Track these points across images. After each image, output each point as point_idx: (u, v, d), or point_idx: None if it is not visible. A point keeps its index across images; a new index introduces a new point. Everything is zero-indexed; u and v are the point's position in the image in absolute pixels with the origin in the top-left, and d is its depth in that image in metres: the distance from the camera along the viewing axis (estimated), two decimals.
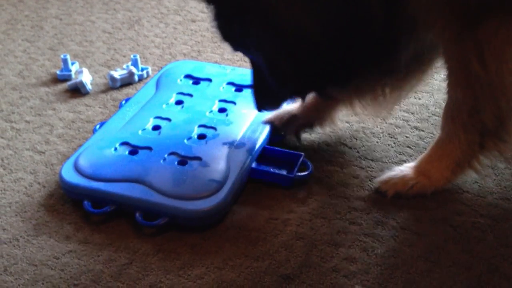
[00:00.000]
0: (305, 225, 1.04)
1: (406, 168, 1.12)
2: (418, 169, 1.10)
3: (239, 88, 1.36)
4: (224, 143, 1.17)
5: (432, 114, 1.32)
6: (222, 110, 1.28)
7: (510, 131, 1.05)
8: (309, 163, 1.15)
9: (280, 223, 1.04)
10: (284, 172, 1.14)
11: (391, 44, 1.00)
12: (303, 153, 1.16)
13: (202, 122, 1.23)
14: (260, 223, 1.05)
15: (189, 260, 0.98)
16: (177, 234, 1.03)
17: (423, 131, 1.26)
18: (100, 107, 1.40)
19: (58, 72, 1.52)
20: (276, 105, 1.16)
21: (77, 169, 1.11)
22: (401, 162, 1.17)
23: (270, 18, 0.95)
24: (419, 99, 1.37)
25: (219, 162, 1.12)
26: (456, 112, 1.05)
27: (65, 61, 1.52)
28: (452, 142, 1.08)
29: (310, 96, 1.19)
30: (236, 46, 1.09)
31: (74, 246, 1.02)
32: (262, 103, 1.15)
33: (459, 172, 1.09)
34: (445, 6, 0.95)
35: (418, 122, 1.29)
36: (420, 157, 1.13)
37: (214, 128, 1.21)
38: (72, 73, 1.52)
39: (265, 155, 1.18)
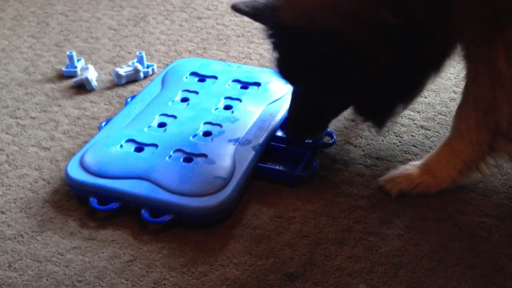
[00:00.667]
0: (309, 223, 1.04)
1: (411, 167, 1.11)
2: (424, 168, 1.10)
3: (245, 85, 1.35)
4: (230, 140, 1.17)
5: (438, 113, 1.32)
6: (227, 107, 1.28)
7: None
8: (314, 161, 1.15)
9: (285, 221, 1.04)
10: (289, 170, 1.14)
11: (443, 57, 1.05)
12: (308, 151, 1.16)
13: (208, 119, 1.23)
14: (264, 221, 1.05)
15: (193, 257, 0.98)
16: (181, 231, 1.03)
17: (429, 130, 1.26)
18: (105, 104, 1.40)
19: (63, 69, 1.53)
20: (313, 136, 1.19)
21: (83, 166, 1.12)
22: (406, 161, 1.17)
23: (376, 65, 0.98)
24: (425, 97, 1.36)
25: (224, 159, 1.12)
26: (472, 110, 1.06)
27: (71, 57, 1.52)
28: (462, 140, 1.08)
29: None
30: (296, 85, 1.12)
31: (79, 242, 1.02)
32: (301, 134, 1.17)
33: (466, 173, 1.09)
34: (478, 13, 0.98)
35: (424, 121, 1.29)
36: (427, 155, 1.13)
37: (220, 125, 1.21)
38: (78, 69, 1.52)
39: (270, 152, 1.18)
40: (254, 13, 1.11)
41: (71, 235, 1.03)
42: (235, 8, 1.13)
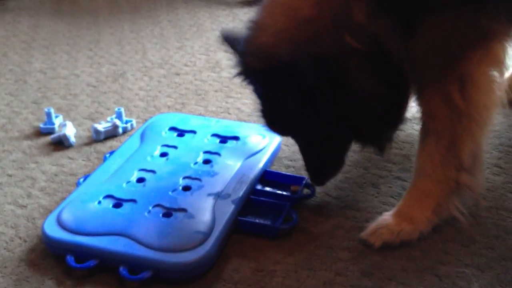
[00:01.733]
0: (291, 276, 1.03)
1: (387, 217, 1.12)
2: (400, 215, 1.11)
3: (224, 139, 1.36)
4: (209, 194, 1.17)
5: (414, 165, 1.34)
6: (207, 162, 1.28)
7: (480, 167, 1.11)
8: (294, 213, 1.15)
9: (266, 274, 1.03)
10: (269, 223, 1.13)
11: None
12: (288, 203, 1.16)
13: (187, 174, 1.23)
14: (245, 275, 1.03)
15: None
16: None
17: (405, 181, 1.27)
18: (83, 160, 1.40)
19: (41, 125, 1.52)
20: (335, 174, 1.20)
21: (60, 223, 1.10)
22: (385, 212, 1.18)
23: (352, 89, 1.03)
24: (401, 149, 1.39)
25: (204, 213, 1.12)
26: (434, 148, 1.09)
27: (48, 114, 1.52)
28: (429, 180, 1.10)
29: None
30: (296, 134, 1.15)
31: None
32: (323, 177, 1.19)
33: (440, 212, 1.10)
34: (435, 49, 1.03)
35: (401, 173, 1.31)
36: (398, 203, 1.14)
37: (199, 180, 1.21)
38: (56, 126, 1.52)
39: (250, 205, 1.18)
40: (236, 49, 1.14)
41: None
42: (224, 36, 1.16)
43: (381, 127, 1.11)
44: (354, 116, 1.06)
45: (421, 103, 1.11)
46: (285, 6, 1.05)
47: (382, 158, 1.22)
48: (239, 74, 1.11)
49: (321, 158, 1.15)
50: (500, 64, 1.08)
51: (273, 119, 1.12)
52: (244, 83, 1.13)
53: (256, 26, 1.08)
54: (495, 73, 1.08)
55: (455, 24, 1.01)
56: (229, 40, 1.14)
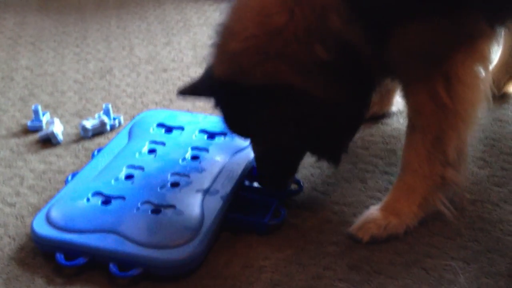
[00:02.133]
0: (280, 271, 1.04)
1: (374, 211, 1.13)
2: (386, 209, 1.13)
3: (212, 135, 1.37)
4: (198, 191, 1.17)
5: (400, 159, 1.35)
6: (195, 158, 1.29)
7: (464, 162, 1.13)
8: (282, 209, 1.16)
9: (256, 270, 1.04)
10: (257, 219, 1.14)
11: (374, 88, 1.14)
12: (276, 199, 1.17)
13: (175, 170, 1.24)
14: (235, 270, 1.04)
15: None
16: (151, 285, 1.02)
17: (392, 175, 1.29)
18: (71, 157, 1.40)
19: (28, 123, 1.52)
20: (290, 177, 1.21)
21: (49, 221, 1.10)
22: (372, 206, 1.19)
23: (315, 104, 1.04)
24: (387, 144, 1.40)
25: (193, 209, 1.12)
26: (420, 144, 1.10)
27: (36, 111, 1.52)
28: (415, 175, 1.12)
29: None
30: (256, 140, 1.16)
31: None
32: (275, 183, 1.19)
33: (426, 206, 1.12)
34: (415, 52, 1.05)
35: (387, 167, 1.32)
36: (385, 198, 1.15)
37: (188, 176, 1.22)
38: (43, 123, 1.52)
39: (238, 201, 1.19)
40: (195, 88, 1.15)
41: None
42: (181, 92, 1.18)
43: (339, 138, 1.13)
44: (315, 129, 1.07)
45: (407, 99, 1.13)
46: (256, 11, 1.03)
47: (335, 168, 1.23)
48: (205, 94, 1.13)
49: (274, 164, 1.16)
50: (484, 60, 1.10)
51: (236, 127, 1.14)
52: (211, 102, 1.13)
53: (225, 31, 1.06)
54: (480, 69, 1.09)
55: (433, 29, 1.03)
56: (187, 92, 1.17)
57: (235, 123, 1.13)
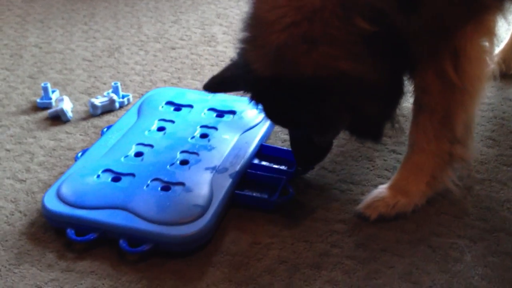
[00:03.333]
0: (287, 248, 1.05)
1: (383, 190, 1.14)
2: (395, 188, 1.13)
3: (220, 113, 1.37)
4: (207, 168, 1.18)
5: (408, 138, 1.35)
6: (204, 136, 1.29)
7: (471, 137, 1.13)
8: (290, 187, 1.16)
9: (263, 247, 1.05)
10: (265, 197, 1.15)
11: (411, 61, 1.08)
12: (284, 177, 1.18)
13: (185, 148, 1.25)
14: (243, 247, 1.05)
15: (173, 286, 0.98)
16: (160, 261, 1.03)
17: (400, 154, 1.29)
18: (81, 135, 1.41)
19: (38, 100, 1.53)
20: (321, 160, 1.19)
21: (60, 197, 1.11)
22: (380, 185, 1.19)
23: (363, 85, 0.99)
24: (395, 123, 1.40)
25: (202, 187, 1.13)
26: (428, 122, 1.10)
27: (45, 89, 1.52)
28: (423, 153, 1.12)
29: None
30: (297, 129, 1.11)
31: (57, 274, 1.01)
32: (309, 163, 1.19)
33: (434, 185, 1.12)
34: (430, 24, 1.02)
35: (395, 146, 1.32)
36: (393, 176, 1.16)
37: (197, 154, 1.23)
38: (53, 101, 1.52)
39: (247, 179, 1.19)
40: (225, 83, 1.11)
41: (48, 267, 1.02)
42: (207, 88, 1.14)
43: (385, 116, 1.10)
44: (366, 112, 1.03)
45: (415, 78, 1.12)
46: None
47: (377, 144, 1.20)
48: (249, 97, 1.08)
49: (311, 149, 1.14)
50: (491, 36, 1.09)
51: (280, 118, 1.10)
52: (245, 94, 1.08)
53: (258, 22, 1.00)
54: (487, 45, 1.09)
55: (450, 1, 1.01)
56: (215, 87, 1.14)
57: (282, 116, 1.08)
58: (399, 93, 1.09)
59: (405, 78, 1.11)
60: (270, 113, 1.10)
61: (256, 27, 1.01)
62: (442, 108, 1.09)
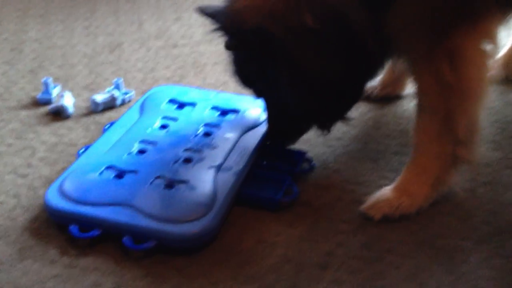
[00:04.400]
0: (292, 247, 1.05)
1: (387, 191, 1.14)
2: (399, 190, 1.13)
3: (224, 112, 1.37)
4: (211, 167, 1.18)
5: (412, 139, 1.36)
6: (207, 134, 1.29)
7: (476, 139, 1.12)
8: (295, 186, 1.16)
9: (268, 245, 1.05)
10: (270, 196, 1.15)
11: (379, 65, 1.16)
12: (289, 176, 1.17)
13: (188, 146, 1.24)
14: (248, 245, 1.05)
15: (177, 284, 0.98)
16: (164, 258, 1.03)
17: (403, 155, 1.29)
18: (82, 131, 1.40)
19: (38, 95, 1.51)
20: (293, 140, 1.26)
21: (63, 193, 1.10)
22: (383, 186, 1.19)
23: (299, 68, 1.07)
24: (399, 124, 1.40)
25: (206, 185, 1.12)
26: (429, 124, 1.11)
27: (46, 84, 1.51)
28: (427, 156, 1.12)
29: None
30: (258, 91, 1.22)
31: (60, 270, 1.00)
32: (280, 139, 1.25)
33: (438, 186, 1.12)
34: (417, 25, 1.04)
35: (399, 147, 1.32)
36: (398, 178, 1.16)
37: (200, 152, 1.22)
38: (53, 96, 1.51)
39: (251, 178, 1.19)
40: (213, 15, 1.18)
41: (51, 263, 1.02)
42: (200, 9, 1.21)
43: (328, 109, 1.15)
44: (296, 93, 1.10)
45: (414, 79, 1.13)
46: None
47: (323, 134, 1.25)
48: (216, 29, 1.16)
49: (281, 119, 1.21)
50: (490, 37, 1.09)
51: (237, 73, 1.20)
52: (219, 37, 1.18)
53: None
54: (486, 46, 1.08)
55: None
56: (205, 11, 1.20)
57: (243, 76, 1.20)
58: (351, 93, 1.15)
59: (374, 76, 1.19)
60: (235, 67, 1.19)
61: None
62: (442, 109, 1.09)
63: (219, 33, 1.16)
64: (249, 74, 1.18)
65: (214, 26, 1.16)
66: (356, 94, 1.17)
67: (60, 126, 1.41)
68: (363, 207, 1.12)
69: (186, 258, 1.02)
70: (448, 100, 1.08)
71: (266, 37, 1.04)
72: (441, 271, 1.00)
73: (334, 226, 1.10)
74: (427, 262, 1.02)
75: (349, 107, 1.19)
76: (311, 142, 1.31)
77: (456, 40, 1.04)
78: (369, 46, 1.05)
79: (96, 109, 1.47)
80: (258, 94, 1.23)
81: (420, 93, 1.12)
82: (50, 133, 1.39)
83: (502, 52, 1.54)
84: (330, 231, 1.08)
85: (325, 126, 1.20)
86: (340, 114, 1.19)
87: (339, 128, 1.36)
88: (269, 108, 1.23)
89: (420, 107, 1.13)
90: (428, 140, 1.12)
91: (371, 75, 1.16)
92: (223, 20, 1.14)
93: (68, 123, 1.42)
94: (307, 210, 1.14)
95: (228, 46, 1.13)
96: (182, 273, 1.00)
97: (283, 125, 1.22)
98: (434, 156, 1.11)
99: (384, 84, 1.46)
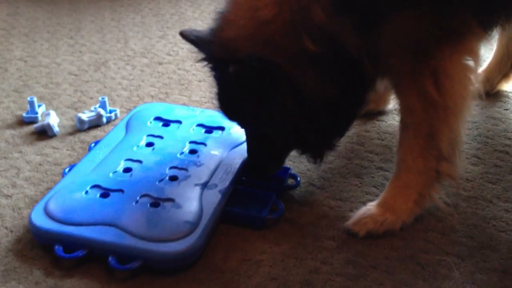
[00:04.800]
0: (277, 265, 1.05)
1: (371, 207, 1.15)
2: (383, 206, 1.14)
3: (209, 129, 1.37)
4: (196, 184, 1.18)
5: (395, 155, 1.37)
6: (193, 152, 1.29)
7: (459, 155, 1.14)
8: (280, 203, 1.17)
9: (253, 264, 1.05)
10: (255, 213, 1.15)
11: (369, 88, 1.13)
12: (274, 193, 1.18)
13: (174, 164, 1.24)
14: (233, 264, 1.05)
15: None
16: (150, 278, 1.02)
17: (387, 171, 1.30)
18: (68, 150, 1.40)
19: (24, 115, 1.51)
20: (276, 168, 1.23)
21: (47, 213, 1.10)
22: (368, 201, 1.20)
23: (302, 93, 1.04)
24: (383, 140, 1.42)
25: (192, 203, 1.13)
26: (413, 140, 1.12)
27: (31, 103, 1.51)
28: (410, 171, 1.13)
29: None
30: (245, 123, 1.18)
31: None
32: (262, 170, 1.23)
33: (421, 202, 1.14)
34: (404, 46, 1.05)
35: (383, 163, 1.33)
36: (382, 194, 1.17)
37: (186, 170, 1.22)
38: (39, 115, 1.51)
39: (236, 195, 1.19)
40: (197, 43, 1.16)
41: (36, 285, 1.01)
42: (183, 35, 1.19)
43: (325, 134, 1.13)
44: (298, 121, 1.07)
45: (398, 97, 1.14)
46: (248, 5, 1.07)
47: (315, 164, 1.21)
48: (203, 59, 1.15)
49: (263, 152, 1.18)
50: (473, 55, 1.11)
51: (226, 106, 1.16)
52: (206, 69, 1.17)
53: (222, 20, 1.10)
54: (469, 63, 1.11)
55: (420, 21, 1.03)
56: (189, 37, 1.18)
57: (227, 105, 1.16)
58: (346, 116, 1.13)
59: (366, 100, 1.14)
60: (219, 98, 1.16)
61: (220, 22, 1.11)
62: (426, 126, 1.11)
63: (206, 63, 1.15)
64: (237, 105, 1.13)
65: (201, 56, 1.15)
66: (351, 119, 1.15)
67: (45, 145, 1.41)
68: (348, 223, 1.13)
69: (172, 278, 1.02)
70: (432, 116, 1.09)
71: (266, 65, 1.01)
72: (426, 287, 1.01)
73: (319, 243, 1.10)
74: (411, 278, 1.03)
75: (343, 132, 1.17)
76: (295, 159, 1.32)
77: (440, 59, 1.07)
78: (366, 67, 1.05)
79: (82, 127, 1.47)
80: (244, 126, 1.20)
81: (404, 110, 1.13)
82: (35, 152, 1.38)
83: (483, 67, 1.57)
84: (315, 248, 1.09)
85: (320, 152, 1.16)
86: (333, 140, 1.16)
87: None
88: (252, 140, 1.20)
89: (404, 124, 1.14)
90: (412, 156, 1.13)
91: (364, 95, 1.13)
92: (210, 50, 1.11)
93: (53, 142, 1.42)
94: (291, 227, 1.14)
95: (230, 75, 1.07)
96: None
97: (264, 158, 1.20)
98: (418, 172, 1.13)
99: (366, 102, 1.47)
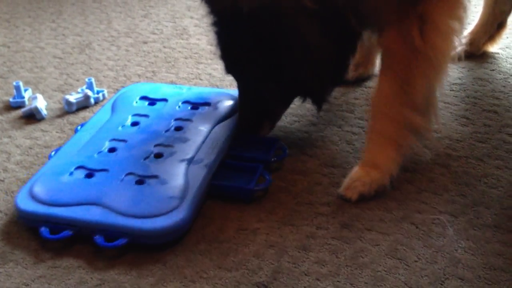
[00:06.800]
0: (274, 233, 1.06)
1: (357, 169, 1.15)
2: (367, 165, 1.14)
3: (195, 106, 1.36)
4: (182, 160, 1.17)
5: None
6: (178, 128, 1.28)
7: (433, 113, 1.15)
8: (267, 174, 1.16)
9: (250, 233, 1.06)
10: (243, 185, 1.14)
11: (357, 39, 1.20)
12: (261, 165, 1.18)
13: (159, 141, 1.23)
14: (230, 234, 1.06)
15: (163, 276, 0.98)
16: (148, 252, 1.03)
17: None
18: (57, 132, 1.39)
19: (11, 100, 1.50)
20: (264, 129, 1.27)
21: (33, 196, 1.09)
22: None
23: (306, 42, 1.12)
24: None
25: (177, 179, 1.12)
26: (388, 86, 1.13)
27: (17, 88, 1.50)
28: (385, 119, 1.13)
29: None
30: (243, 75, 1.22)
31: (43, 271, 1.00)
32: (251, 126, 1.26)
33: (402, 150, 1.14)
34: None
35: None
36: (362, 154, 1.18)
37: (172, 146, 1.21)
38: (26, 99, 1.50)
39: (223, 169, 1.19)
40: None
41: (34, 265, 1.01)
42: None
43: (322, 81, 1.19)
44: (304, 67, 1.13)
45: (380, 41, 1.14)
46: None
47: (318, 111, 1.30)
48: (209, 13, 1.17)
49: (257, 109, 1.22)
50: (461, 8, 1.11)
51: (229, 57, 1.20)
52: (210, 24, 1.19)
53: None
54: (455, 19, 1.10)
55: None
56: None
57: (229, 56, 1.20)
58: (340, 66, 1.20)
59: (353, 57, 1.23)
60: (221, 48, 1.19)
61: None
62: (403, 70, 1.10)
63: (210, 17, 1.17)
64: (243, 55, 1.16)
65: (206, 9, 1.17)
66: (345, 66, 1.22)
67: (34, 129, 1.40)
68: (341, 189, 1.14)
69: (169, 251, 1.03)
70: (411, 62, 1.09)
71: (278, 12, 1.07)
72: (420, 245, 1.02)
73: (314, 209, 1.11)
74: (406, 237, 1.04)
75: (340, 78, 1.24)
76: (286, 129, 1.32)
77: (427, 7, 1.06)
78: (351, 22, 1.11)
79: (70, 109, 1.47)
80: (242, 77, 1.23)
81: (386, 54, 1.14)
82: (24, 136, 1.37)
83: (469, 29, 1.57)
84: (310, 214, 1.10)
85: (322, 97, 1.23)
86: (330, 87, 1.25)
87: (314, 114, 1.38)
88: (245, 95, 1.23)
89: (383, 69, 1.14)
90: (387, 102, 1.13)
91: (354, 48, 1.21)
92: (216, 3, 1.14)
93: (42, 125, 1.41)
94: (286, 196, 1.15)
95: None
96: (167, 266, 1.00)
97: (256, 112, 1.23)
98: (393, 119, 1.12)
99: (356, 65, 1.47)
